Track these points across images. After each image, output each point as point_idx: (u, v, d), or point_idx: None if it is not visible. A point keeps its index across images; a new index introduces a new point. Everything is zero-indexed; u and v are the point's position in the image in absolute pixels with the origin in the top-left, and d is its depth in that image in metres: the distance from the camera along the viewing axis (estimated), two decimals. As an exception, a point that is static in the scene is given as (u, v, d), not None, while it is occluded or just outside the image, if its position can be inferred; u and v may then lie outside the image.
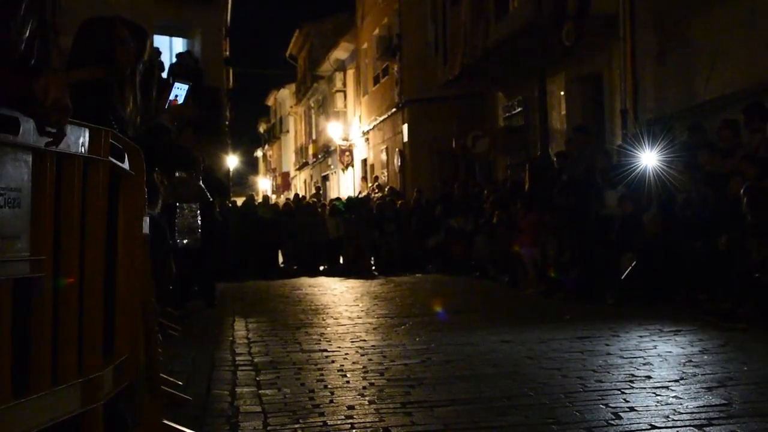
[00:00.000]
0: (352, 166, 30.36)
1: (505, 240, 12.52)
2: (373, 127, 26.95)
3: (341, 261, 17.22)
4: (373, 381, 5.09)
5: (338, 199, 20.82)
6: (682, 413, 4.02)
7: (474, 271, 14.01)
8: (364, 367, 5.59)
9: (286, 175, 48.04)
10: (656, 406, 4.19)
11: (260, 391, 4.87)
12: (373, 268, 16.42)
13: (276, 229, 17.08)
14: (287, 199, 23.50)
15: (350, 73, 31.01)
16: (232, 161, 29.91)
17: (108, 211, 2.86)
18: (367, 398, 4.59)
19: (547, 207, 11.17)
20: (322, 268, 17.15)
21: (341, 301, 10.78)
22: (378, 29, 25.70)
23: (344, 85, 32.07)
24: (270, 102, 50.92)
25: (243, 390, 4.95)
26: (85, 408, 2.60)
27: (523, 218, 11.91)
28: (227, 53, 25.77)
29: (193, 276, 10.24)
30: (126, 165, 3.04)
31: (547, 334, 6.99)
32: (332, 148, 32.99)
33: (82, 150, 2.63)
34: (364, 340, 6.88)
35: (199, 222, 6.40)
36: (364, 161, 28.92)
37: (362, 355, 6.12)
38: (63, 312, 2.54)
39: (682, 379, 4.87)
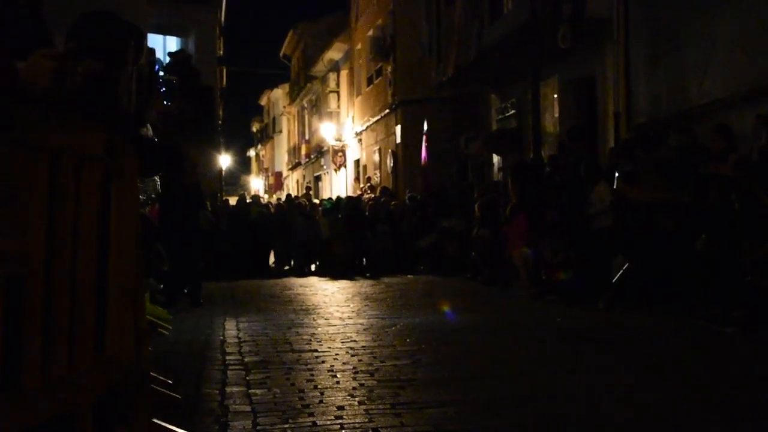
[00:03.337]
0: (345, 166, 30.36)
1: (495, 242, 12.52)
2: (366, 127, 26.95)
3: (332, 261, 17.19)
4: (363, 382, 5.09)
5: (329, 199, 20.83)
6: (674, 416, 4.03)
7: (466, 272, 14.02)
8: (354, 368, 5.59)
9: (278, 175, 48.07)
10: (647, 409, 4.20)
11: (250, 391, 4.87)
12: (365, 268, 16.40)
13: (267, 228, 17.06)
14: (278, 199, 23.48)
15: (344, 73, 31.03)
16: (224, 161, 29.93)
17: (101, 210, 2.85)
18: (356, 399, 4.59)
19: (538, 208, 11.16)
20: (313, 268, 17.14)
21: (332, 301, 10.77)
22: (372, 30, 25.71)
23: (338, 85, 32.09)
24: (263, 102, 50.95)
25: (233, 389, 4.94)
26: (75, 406, 2.60)
27: (513, 220, 11.90)
28: (221, 52, 25.79)
29: (182, 276, 10.26)
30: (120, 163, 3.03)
31: (537, 336, 7.01)
32: (325, 149, 32.99)
33: (76, 148, 2.62)
34: (355, 341, 6.88)
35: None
36: (357, 162, 28.93)
37: (352, 355, 6.13)
38: (53, 310, 2.53)
39: (673, 382, 4.89)
